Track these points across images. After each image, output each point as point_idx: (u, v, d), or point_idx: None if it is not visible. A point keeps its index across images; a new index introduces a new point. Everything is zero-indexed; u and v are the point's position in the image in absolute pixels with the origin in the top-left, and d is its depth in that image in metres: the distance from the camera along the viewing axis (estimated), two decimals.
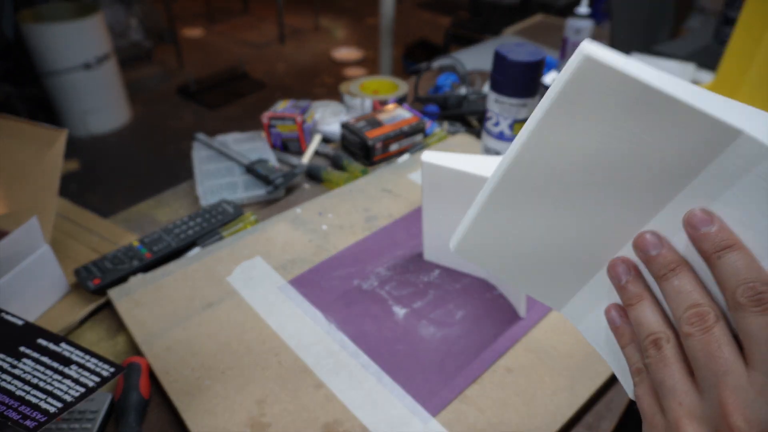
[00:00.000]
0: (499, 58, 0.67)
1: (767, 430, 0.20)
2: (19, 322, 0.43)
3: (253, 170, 0.79)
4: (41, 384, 0.39)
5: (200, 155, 0.85)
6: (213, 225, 0.69)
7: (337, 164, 0.85)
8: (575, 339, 0.54)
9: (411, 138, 0.88)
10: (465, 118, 0.98)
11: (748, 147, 0.23)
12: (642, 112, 0.24)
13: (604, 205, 0.28)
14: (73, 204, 0.74)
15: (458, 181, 0.56)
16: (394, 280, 0.61)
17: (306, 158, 0.86)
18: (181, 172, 2.22)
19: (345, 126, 0.87)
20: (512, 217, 0.31)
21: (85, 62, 2.38)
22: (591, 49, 0.24)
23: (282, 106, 0.89)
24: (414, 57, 2.97)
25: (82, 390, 0.39)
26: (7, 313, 0.44)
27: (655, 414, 0.24)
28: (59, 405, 0.37)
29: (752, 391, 0.20)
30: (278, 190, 0.77)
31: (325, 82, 3.22)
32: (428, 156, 0.57)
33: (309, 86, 3.18)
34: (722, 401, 0.21)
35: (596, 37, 1.41)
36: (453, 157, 0.57)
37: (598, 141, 0.26)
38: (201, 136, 0.89)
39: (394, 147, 0.86)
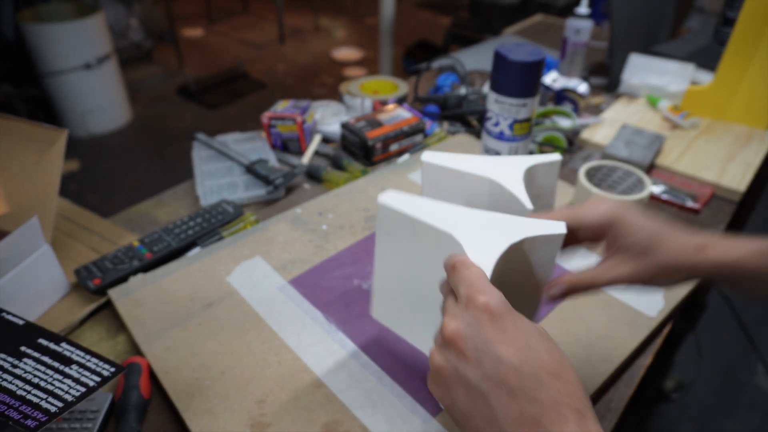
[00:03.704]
0: (499, 58, 0.67)
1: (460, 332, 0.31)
2: (20, 322, 0.44)
3: (253, 170, 0.79)
4: (42, 384, 0.39)
5: (200, 155, 0.85)
6: (213, 225, 0.69)
7: (337, 164, 0.86)
8: (575, 339, 0.54)
9: (411, 138, 0.88)
10: (465, 118, 0.98)
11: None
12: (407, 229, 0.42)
13: (425, 278, 0.42)
14: (73, 204, 0.74)
15: (458, 181, 0.56)
16: None
17: (306, 158, 0.86)
18: (181, 172, 2.22)
19: (345, 126, 0.87)
20: (391, 284, 0.47)
21: (85, 62, 2.38)
22: (383, 197, 0.43)
23: (282, 106, 0.89)
24: (414, 57, 2.97)
25: (83, 390, 0.39)
26: (8, 312, 0.44)
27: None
28: (60, 404, 0.37)
29: (457, 308, 0.33)
30: (278, 190, 0.77)
31: (325, 82, 3.22)
32: (428, 156, 0.57)
33: (309, 86, 3.18)
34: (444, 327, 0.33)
35: (596, 37, 1.41)
36: (453, 157, 0.56)
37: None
38: (201, 136, 0.89)
39: (394, 147, 0.86)
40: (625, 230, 0.40)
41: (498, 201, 0.53)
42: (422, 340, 0.46)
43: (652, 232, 0.39)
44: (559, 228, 0.39)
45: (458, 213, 0.41)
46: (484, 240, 0.38)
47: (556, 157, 0.54)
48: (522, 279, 0.42)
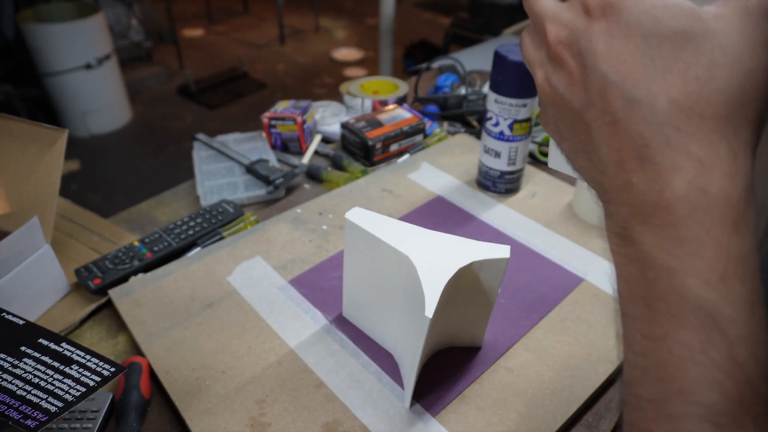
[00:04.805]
0: (498, 59, 0.67)
1: None
2: (20, 322, 0.44)
3: (254, 170, 0.79)
4: (42, 383, 0.39)
5: (200, 155, 0.85)
6: (213, 225, 0.69)
7: (337, 164, 0.86)
8: (575, 339, 0.54)
9: (411, 138, 0.88)
10: (465, 118, 0.98)
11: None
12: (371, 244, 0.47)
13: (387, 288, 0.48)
14: (73, 204, 0.74)
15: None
16: None
17: (306, 158, 0.86)
18: (181, 172, 2.23)
19: (345, 126, 0.87)
20: (356, 289, 0.53)
21: (85, 62, 2.38)
22: (351, 214, 0.47)
23: (282, 107, 0.89)
24: (414, 57, 2.97)
25: (83, 390, 0.39)
26: (8, 312, 0.44)
27: (532, 50, 0.27)
28: (60, 404, 0.37)
29: (561, 9, 0.24)
30: (278, 190, 0.77)
31: (325, 82, 3.22)
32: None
33: (309, 86, 3.18)
34: (545, 34, 0.24)
35: None
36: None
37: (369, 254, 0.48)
38: (201, 136, 0.89)
39: (394, 147, 0.86)
40: None
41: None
42: (383, 339, 0.53)
43: None
44: (504, 252, 0.45)
45: (415, 234, 0.46)
46: (437, 263, 0.43)
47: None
48: (472, 294, 0.48)
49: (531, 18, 0.26)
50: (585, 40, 0.22)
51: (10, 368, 0.39)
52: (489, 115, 0.71)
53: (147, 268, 0.63)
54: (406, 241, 0.45)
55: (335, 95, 1.06)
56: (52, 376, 0.39)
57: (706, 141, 0.20)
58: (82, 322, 0.58)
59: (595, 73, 0.22)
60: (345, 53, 3.57)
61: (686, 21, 0.20)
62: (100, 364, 0.41)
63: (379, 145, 0.84)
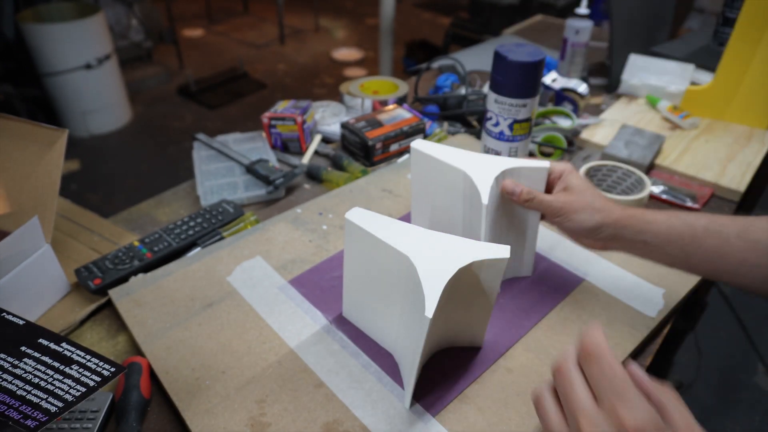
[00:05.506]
0: (498, 59, 0.67)
1: None
2: (20, 322, 0.44)
3: (254, 170, 0.79)
4: (42, 384, 0.39)
5: (201, 155, 0.85)
6: (213, 225, 0.69)
7: (337, 164, 0.86)
8: (575, 339, 0.54)
9: (411, 138, 0.88)
10: (465, 118, 0.98)
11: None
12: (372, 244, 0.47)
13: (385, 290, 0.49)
14: (73, 204, 0.74)
15: (439, 170, 0.58)
16: None
17: (306, 158, 0.86)
18: (181, 172, 2.23)
19: (345, 126, 0.87)
20: (356, 289, 0.53)
21: (85, 62, 2.38)
22: (351, 214, 0.48)
23: (282, 107, 0.89)
24: (414, 57, 2.98)
25: (83, 390, 0.39)
26: (8, 312, 0.44)
27: None
28: (60, 404, 0.37)
29: (599, 416, 0.31)
30: (278, 190, 0.77)
31: (325, 82, 3.22)
32: (417, 144, 0.59)
33: (309, 86, 3.18)
34: (580, 428, 0.31)
35: (596, 37, 1.40)
36: (441, 149, 0.58)
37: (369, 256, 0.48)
38: (201, 136, 0.89)
39: (394, 147, 0.86)
40: (573, 176, 0.54)
41: (468, 192, 0.55)
42: (383, 339, 0.53)
43: (590, 185, 0.53)
44: (504, 252, 0.45)
45: (415, 234, 0.46)
46: (437, 263, 0.43)
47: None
48: (472, 294, 0.48)
49: (560, 392, 0.34)
50: None
51: (10, 368, 0.39)
52: (489, 115, 0.71)
53: (147, 268, 0.63)
54: (406, 241, 0.45)
55: (335, 95, 1.06)
56: (52, 376, 0.39)
57: None
58: (82, 322, 0.58)
59: None
60: (345, 53, 3.57)
61: None
62: (100, 364, 0.41)
63: (379, 145, 0.84)
